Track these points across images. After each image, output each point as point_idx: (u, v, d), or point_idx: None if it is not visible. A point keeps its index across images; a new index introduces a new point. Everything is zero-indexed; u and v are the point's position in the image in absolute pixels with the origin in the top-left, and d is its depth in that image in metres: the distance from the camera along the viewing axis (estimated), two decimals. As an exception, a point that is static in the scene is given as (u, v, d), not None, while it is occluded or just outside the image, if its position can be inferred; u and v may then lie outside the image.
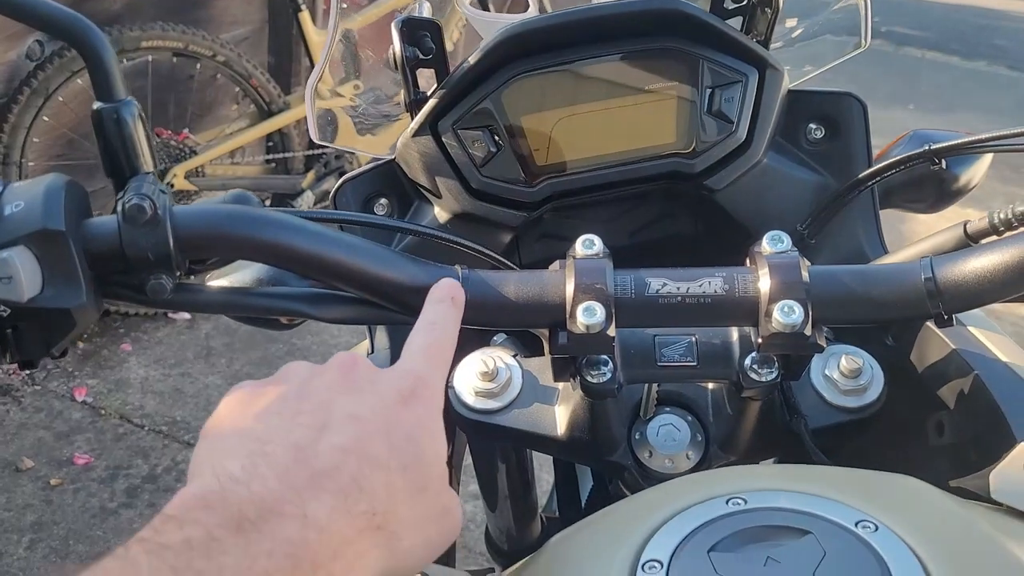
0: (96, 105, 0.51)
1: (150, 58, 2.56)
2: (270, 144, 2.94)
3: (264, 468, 0.35)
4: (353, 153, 3.01)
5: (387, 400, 0.41)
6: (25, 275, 0.43)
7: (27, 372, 2.38)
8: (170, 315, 2.66)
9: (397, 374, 0.43)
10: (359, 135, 0.93)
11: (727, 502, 0.47)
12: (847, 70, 0.75)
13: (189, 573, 0.31)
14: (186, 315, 2.69)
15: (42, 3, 0.49)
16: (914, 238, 0.73)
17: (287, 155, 2.93)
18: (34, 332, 0.45)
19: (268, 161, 2.95)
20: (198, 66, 2.65)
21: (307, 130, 3.08)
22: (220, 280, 0.59)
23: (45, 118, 2.40)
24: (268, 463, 0.36)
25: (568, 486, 0.85)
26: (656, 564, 0.43)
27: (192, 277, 0.50)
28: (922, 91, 5.22)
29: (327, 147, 2.97)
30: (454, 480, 0.89)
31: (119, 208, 0.46)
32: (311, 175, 2.98)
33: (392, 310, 0.54)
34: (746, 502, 0.46)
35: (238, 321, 0.75)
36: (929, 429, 0.71)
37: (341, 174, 3.01)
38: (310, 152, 2.99)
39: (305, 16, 2.82)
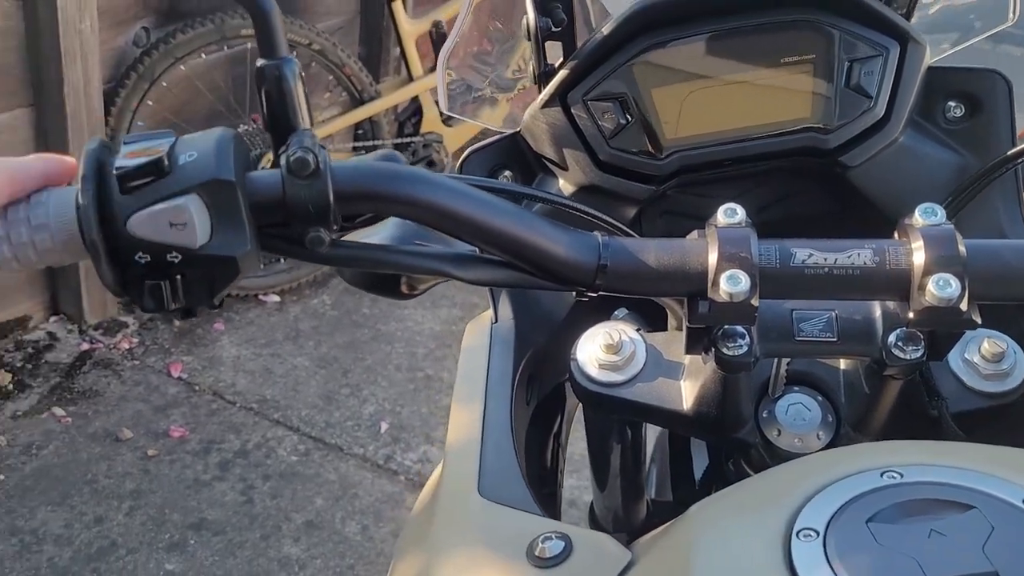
0: (260, 62, 0.52)
1: (249, 46, 2.63)
2: (359, 132, 2.98)
3: None
4: (441, 142, 3.04)
5: None
6: (199, 222, 0.45)
7: (127, 347, 2.47)
8: (260, 297, 2.73)
9: None
10: (473, 108, 0.93)
11: (882, 475, 0.45)
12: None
13: None
14: (275, 297, 2.75)
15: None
16: None
17: (376, 143, 2.97)
18: (200, 279, 0.47)
19: (355, 148, 3.00)
20: (294, 54, 2.70)
21: (396, 119, 3.12)
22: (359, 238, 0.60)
23: (149, 102, 2.48)
24: None
25: (681, 465, 0.84)
26: (811, 532, 0.42)
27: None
28: (1019, 92, 5.01)
29: (415, 137, 3.01)
30: (560, 458, 0.89)
31: (283, 161, 0.47)
32: (399, 163, 3.01)
33: (533, 274, 0.55)
34: (902, 476, 0.45)
35: (356, 287, 0.76)
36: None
37: (429, 163, 3.04)
38: (399, 140, 3.03)
39: (398, 5, 2.86)
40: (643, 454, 0.85)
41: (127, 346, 2.48)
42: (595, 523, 0.94)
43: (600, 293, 0.55)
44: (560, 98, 0.70)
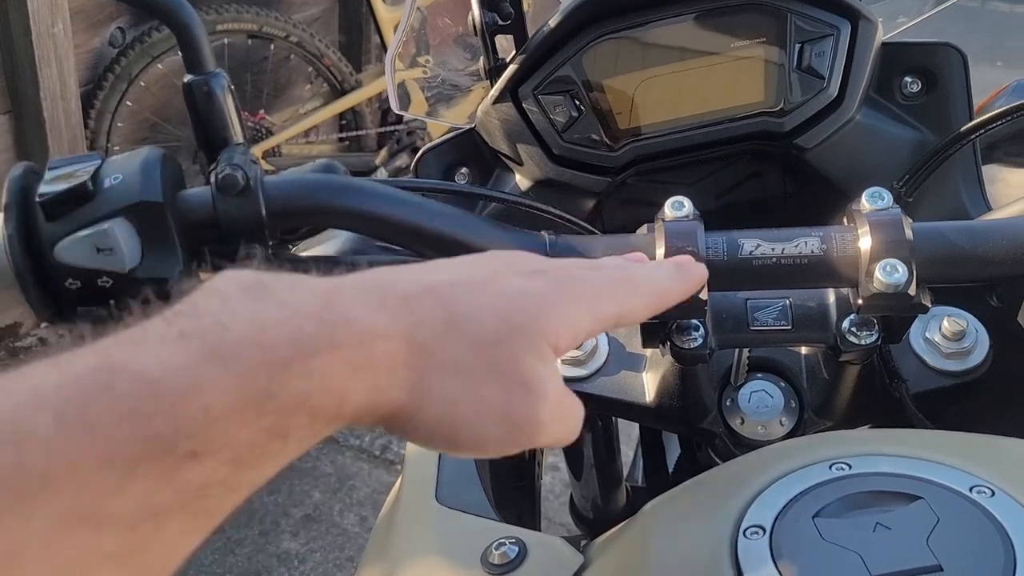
0: (187, 78, 0.51)
1: (226, 41, 2.61)
2: (343, 122, 2.97)
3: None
4: (425, 129, 3.02)
5: (515, 265, 0.40)
6: (126, 246, 0.44)
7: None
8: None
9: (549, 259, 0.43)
10: (436, 105, 0.93)
11: (830, 467, 0.45)
12: (930, 28, 0.71)
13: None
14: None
15: (134, -20, 0.50)
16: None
17: (360, 133, 2.96)
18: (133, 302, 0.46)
19: (341, 139, 2.99)
20: (272, 47, 2.69)
21: (379, 108, 3.10)
22: (310, 251, 0.60)
23: (128, 103, 2.47)
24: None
25: (654, 455, 0.84)
26: (758, 530, 0.42)
27: (291, 248, 0.50)
28: (1011, 47, 4.97)
29: (399, 126, 2.99)
30: (537, 448, 0.89)
31: (212, 179, 0.46)
32: (384, 152, 3.00)
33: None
34: (850, 467, 0.45)
35: None
36: (1038, 394, 0.67)
37: (414, 151, 3.03)
38: (383, 129, 3.02)
39: (375, -7, 2.84)
40: (616, 443, 0.85)
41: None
42: (575, 513, 0.94)
43: None
44: (511, 93, 0.69)
